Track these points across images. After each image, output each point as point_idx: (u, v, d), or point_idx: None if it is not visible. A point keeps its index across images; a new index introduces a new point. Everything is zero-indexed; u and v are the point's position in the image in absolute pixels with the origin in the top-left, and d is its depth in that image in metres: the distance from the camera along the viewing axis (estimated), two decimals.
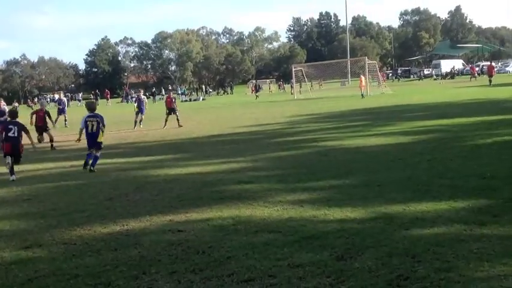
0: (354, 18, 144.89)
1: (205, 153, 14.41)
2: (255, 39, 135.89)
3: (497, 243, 5.37)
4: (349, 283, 4.69)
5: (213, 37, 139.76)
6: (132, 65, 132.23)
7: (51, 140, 18.33)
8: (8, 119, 13.47)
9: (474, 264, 4.88)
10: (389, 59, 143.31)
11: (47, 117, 19.07)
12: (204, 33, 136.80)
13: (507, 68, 77.84)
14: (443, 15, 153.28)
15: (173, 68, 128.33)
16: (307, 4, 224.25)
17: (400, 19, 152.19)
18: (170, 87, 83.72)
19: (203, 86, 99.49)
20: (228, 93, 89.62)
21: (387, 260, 5.17)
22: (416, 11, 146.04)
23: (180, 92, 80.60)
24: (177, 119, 23.92)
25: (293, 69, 54.07)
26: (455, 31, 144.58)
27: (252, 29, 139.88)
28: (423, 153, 11.51)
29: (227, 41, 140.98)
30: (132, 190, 9.73)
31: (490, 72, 46.17)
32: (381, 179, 9.09)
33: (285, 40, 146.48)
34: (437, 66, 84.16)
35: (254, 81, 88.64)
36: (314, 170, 10.53)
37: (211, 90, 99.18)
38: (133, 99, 36.05)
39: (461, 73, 77.57)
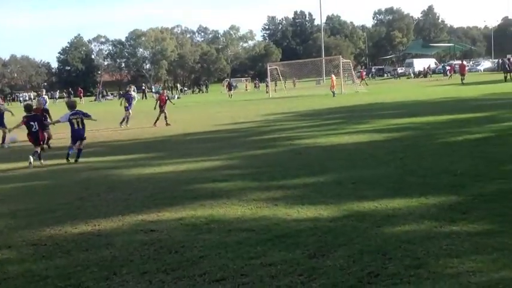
0: (328, 18, 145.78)
1: (179, 152, 14.35)
2: (230, 37, 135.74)
3: (466, 240, 5.44)
4: (320, 281, 4.71)
5: (188, 35, 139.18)
6: (105, 63, 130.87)
7: (49, 138, 17.90)
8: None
9: (444, 261, 4.94)
10: (364, 58, 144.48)
11: (46, 115, 18.62)
12: (178, 32, 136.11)
13: (478, 67, 79.13)
14: (416, 14, 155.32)
15: (147, 66, 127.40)
16: (282, 3, 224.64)
17: (374, 18, 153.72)
18: (144, 86, 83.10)
19: (178, 85, 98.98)
20: (203, 92, 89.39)
21: (359, 257, 5.20)
22: (389, 11, 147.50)
23: (154, 91, 79.98)
24: (157, 118, 23.64)
25: (268, 68, 54.14)
26: (427, 30, 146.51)
27: (227, 28, 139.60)
28: (396, 151, 11.63)
29: (202, 39, 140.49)
30: (104, 190, 9.62)
31: (462, 71, 47.34)
32: (354, 176, 9.15)
33: (260, 39, 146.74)
34: (410, 65, 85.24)
35: (228, 79, 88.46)
36: (288, 168, 10.55)
37: (186, 89, 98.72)
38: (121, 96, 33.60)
39: (433, 72, 78.71)
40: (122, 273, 5.25)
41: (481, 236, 5.53)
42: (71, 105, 13.77)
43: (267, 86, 55.49)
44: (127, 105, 25.02)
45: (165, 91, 28.21)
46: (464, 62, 58.71)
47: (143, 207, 7.99)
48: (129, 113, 24.80)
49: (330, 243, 5.71)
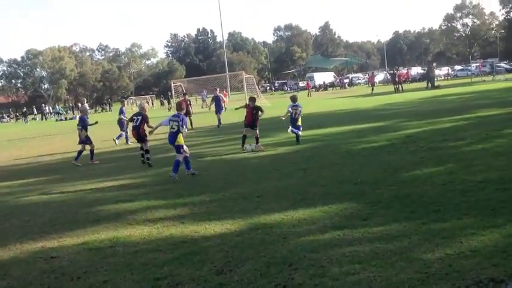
0: (230, 34, 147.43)
1: (81, 173, 13.84)
2: (132, 55, 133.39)
3: (367, 246, 5.66)
4: None
5: (88, 53, 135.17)
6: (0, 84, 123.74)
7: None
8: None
9: (347, 267, 5.10)
10: (267, 73, 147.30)
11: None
12: (77, 50, 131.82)
13: (374, 80, 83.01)
14: (314, 30, 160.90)
15: (46, 86, 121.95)
16: (184, 20, 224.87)
17: (274, 34, 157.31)
18: (45, 107, 79.70)
19: (79, 104, 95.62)
20: (106, 111, 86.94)
21: (266, 270, 5.26)
22: (288, 27, 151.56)
23: (52, 111, 76.77)
24: (191, 122, 24.81)
25: (172, 85, 53.68)
26: (325, 45, 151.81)
27: (128, 45, 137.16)
28: (298, 162, 11.93)
29: (103, 57, 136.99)
30: (0, 217, 9.08)
31: (371, 81, 52.67)
32: (259, 190, 9.27)
33: (163, 56, 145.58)
34: (311, 78, 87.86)
35: (148, 96, 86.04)
36: (195, 184, 10.50)
37: (88, 108, 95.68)
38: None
39: (333, 85, 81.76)
40: None
41: (380, 241, 5.77)
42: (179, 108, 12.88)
43: (169, 103, 55.28)
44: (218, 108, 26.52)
45: (186, 96, 28.82)
46: (374, 73, 63.68)
47: (43, 233, 7.63)
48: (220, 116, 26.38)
49: (237, 257, 5.73)
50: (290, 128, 15.47)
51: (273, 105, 44.85)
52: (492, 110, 19.23)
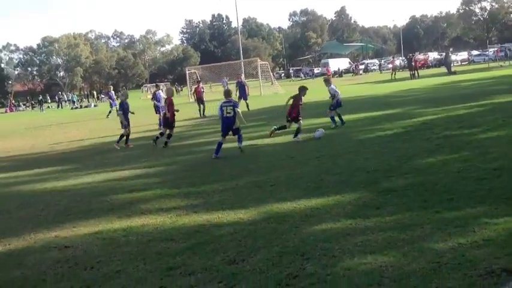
0: (244, 20, 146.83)
1: (96, 162, 13.95)
2: (147, 42, 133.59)
3: (379, 235, 5.63)
4: (240, 286, 4.72)
5: (103, 40, 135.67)
6: (16, 72, 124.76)
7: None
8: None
9: (358, 257, 5.08)
10: (281, 59, 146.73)
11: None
12: (92, 37, 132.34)
13: (390, 65, 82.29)
14: (330, 15, 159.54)
15: (61, 74, 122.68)
16: (199, 6, 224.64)
17: (289, 20, 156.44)
18: (61, 93, 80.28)
19: (94, 92, 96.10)
20: None
21: (278, 259, 5.26)
22: (304, 12, 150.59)
23: (67, 99, 77.40)
24: (203, 110, 26.36)
25: (187, 72, 53.74)
26: (341, 31, 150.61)
27: (143, 32, 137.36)
28: (312, 150, 11.89)
29: (118, 44, 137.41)
30: (15, 206, 9.22)
31: (393, 66, 52.81)
32: (273, 178, 9.25)
33: (178, 42, 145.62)
34: (326, 65, 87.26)
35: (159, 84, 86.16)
36: (208, 173, 10.53)
37: (103, 96, 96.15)
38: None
39: (349, 71, 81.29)
40: None
41: (393, 231, 5.73)
42: (226, 94, 13.44)
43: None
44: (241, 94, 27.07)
45: (200, 83, 29.62)
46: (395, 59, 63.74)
47: (57, 222, 7.71)
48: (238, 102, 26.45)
49: (249, 247, 5.74)
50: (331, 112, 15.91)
51: (287, 91, 44.74)
52: (508, 96, 18.96)
